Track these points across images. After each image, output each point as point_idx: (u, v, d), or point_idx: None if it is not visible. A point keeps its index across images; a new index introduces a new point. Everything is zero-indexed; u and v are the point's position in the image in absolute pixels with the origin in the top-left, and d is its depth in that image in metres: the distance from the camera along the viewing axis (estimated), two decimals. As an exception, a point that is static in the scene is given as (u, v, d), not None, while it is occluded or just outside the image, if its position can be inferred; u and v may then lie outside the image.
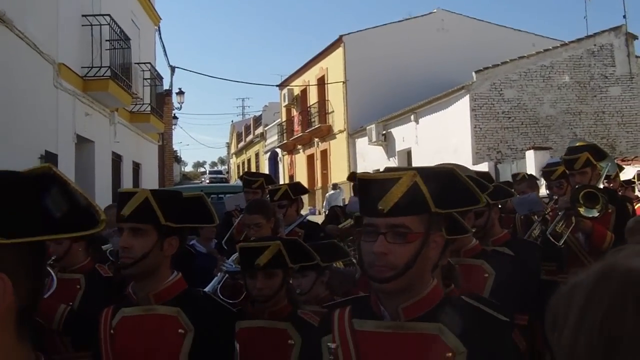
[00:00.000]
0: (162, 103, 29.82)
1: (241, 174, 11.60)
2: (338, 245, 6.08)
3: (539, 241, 7.79)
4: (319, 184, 42.59)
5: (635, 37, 30.37)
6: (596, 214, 6.94)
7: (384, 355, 2.81)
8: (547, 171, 8.90)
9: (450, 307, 2.93)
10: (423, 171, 2.89)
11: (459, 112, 29.25)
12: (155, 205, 3.68)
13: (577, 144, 8.30)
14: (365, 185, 2.91)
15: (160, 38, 32.08)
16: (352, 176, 11.50)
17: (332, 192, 33.22)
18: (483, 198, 3.03)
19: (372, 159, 35.42)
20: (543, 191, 11.39)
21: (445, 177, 2.99)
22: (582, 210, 6.96)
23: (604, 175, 7.85)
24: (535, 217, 8.66)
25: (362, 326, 2.90)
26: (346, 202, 22.58)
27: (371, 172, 8.74)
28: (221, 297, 5.67)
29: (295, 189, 9.16)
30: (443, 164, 4.70)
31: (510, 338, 2.93)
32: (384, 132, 35.48)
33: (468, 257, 5.46)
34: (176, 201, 3.89)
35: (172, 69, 34.35)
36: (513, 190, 8.43)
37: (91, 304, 4.14)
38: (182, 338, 3.68)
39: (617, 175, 11.30)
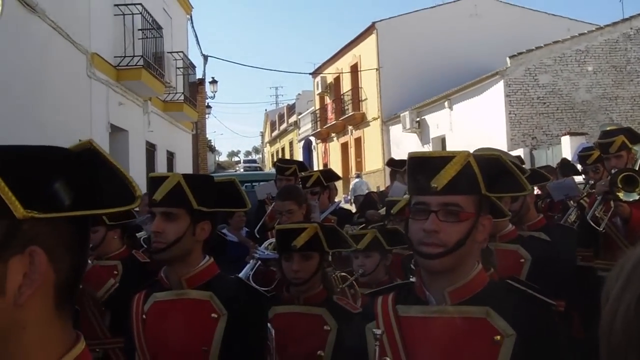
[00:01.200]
0: (195, 92, 29.92)
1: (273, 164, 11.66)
2: (400, 232, 6.06)
3: (575, 226, 7.71)
4: (353, 172, 42.52)
5: (672, 20, 30.00)
6: (636, 197, 6.84)
7: (430, 340, 2.78)
8: (583, 155, 8.82)
9: (496, 290, 2.92)
10: (474, 155, 2.89)
11: (494, 98, 29.07)
12: (188, 189, 3.68)
13: (609, 128, 8.20)
14: (418, 164, 2.90)
15: (193, 27, 32.12)
16: (391, 162, 11.45)
17: (356, 180, 33.15)
18: (529, 185, 3.01)
19: (406, 146, 35.25)
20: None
21: (493, 162, 2.98)
22: (621, 194, 6.86)
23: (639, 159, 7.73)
24: (572, 202, 8.57)
25: (406, 312, 2.88)
26: (369, 189, 22.47)
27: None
28: (253, 284, 5.65)
29: (327, 175, 9.13)
30: (480, 148, 4.67)
31: (557, 321, 2.88)
32: (418, 119, 35.37)
33: (504, 242, 5.41)
34: (208, 186, 3.90)
35: (205, 57, 34.44)
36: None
37: (129, 289, 4.14)
38: (215, 322, 3.68)
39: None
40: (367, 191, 20.11)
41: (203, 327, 3.67)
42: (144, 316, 3.82)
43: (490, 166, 2.92)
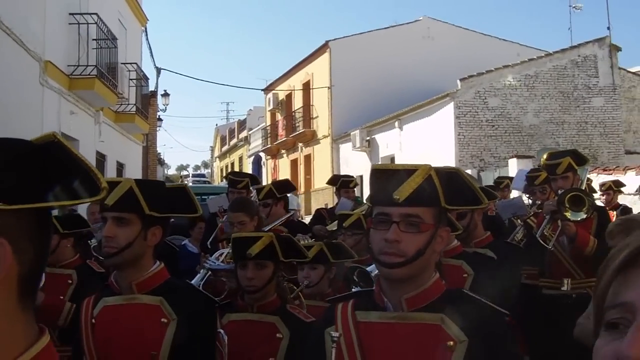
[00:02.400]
0: (147, 104, 29.74)
1: (224, 177, 11.65)
2: (344, 246, 6.17)
3: (521, 245, 7.86)
4: (302, 189, 42.55)
5: (618, 49, 30.50)
6: (583, 216, 7.00)
7: (386, 345, 2.86)
8: (531, 176, 8.98)
9: (451, 298, 2.99)
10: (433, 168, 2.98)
11: (443, 119, 29.31)
12: (140, 194, 3.68)
13: (548, 153, 8.38)
14: (381, 176, 2.99)
15: (147, 39, 32.03)
16: (334, 179, 11.55)
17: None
18: (485, 199, 3.10)
19: (356, 164, 35.41)
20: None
21: (452, 176, 3.07)
22: (568, 214, 7.03)
23: (585, 180, 7.91)
24: (519, 221, 8.73)
25: (365, 317, 2.96)
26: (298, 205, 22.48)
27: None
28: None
29: (280, 187, 9.18)
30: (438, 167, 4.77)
31: (509, 330, 2.98)
32: (368, 138, 35.49)
33: (448, 257, 5.52)
34: (160, 191, 3.91)
35: (158, 70, 34.35)
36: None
37: (83, 299, 4.14)
38: (165, 327, 3.69)
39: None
40: (297, 207, 20.20)
41: (153, 331, 3.68)
42: (93, 321, 3.81)
43: (449, 180, 3.00)
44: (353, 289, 4.68)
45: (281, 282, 4.99)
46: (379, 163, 3.50)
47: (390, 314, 2.92)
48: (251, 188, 9.37)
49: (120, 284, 3.84)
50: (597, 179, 15.03)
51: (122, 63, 23.70)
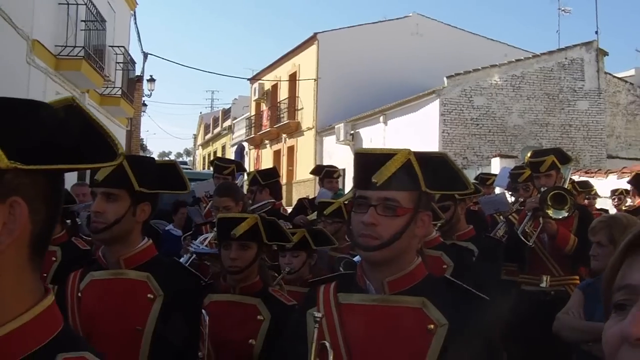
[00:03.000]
0: (133, 89, 29.65)
1: (207, 164, 11.67)
2: (325, 232, 6.24)
3: (503, 241, 7.92)
4: (285, 180, 42.48)
5: (605, 53, 30.63)
6: (565, 215, 7.06)
7: (367, 327, 2.89)
8: (515, 174, 9.05)
9: (433, 283, 3.03)
10: (417, 153, 2.99)
11: (428, 116, 29.37)
12: (129, 170, 3.69)
13: (532, 151, 8.45)
14: (363, 160, 3.01)
15: (136, 23, 31.91)
16: (318, 169, 11.59)
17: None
18: (471, 184, 3.13)
19: (339, 157, 35.36)
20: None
21: (437, 160, 3.08)
22: (550, 211, 7.09)
23: (567, 179, 7.98)
24: (501, 217, 8.79)
25: (347, 299, 2.98)
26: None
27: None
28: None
29: (265, 174, 9.22)
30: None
31: (491, 315, 3.01)
32: (352, 131, 35.48)
33: (428, 248, 5.56)
34: (150, 167, 3.91)
35: (145, 55, 34.11)
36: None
37: (65, 276, 4.14)
38: (151, 303, 3.71)
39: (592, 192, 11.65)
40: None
41: (138, 307, 3.70)
42: (79, 294, 3.82)
43: (435, 164, 3.02)
44: None
45: (264, 265, 5.02)
46: (361, 147, 3.51)
47: (372, 296, 2.95)
48: (237, 174, 9.41)
49: (108, 259, 3.86)
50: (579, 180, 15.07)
51: (109, 46, 23.60)
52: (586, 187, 12.72)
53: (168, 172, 4.09)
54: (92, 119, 1.62)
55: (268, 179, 9.16)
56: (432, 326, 2.81)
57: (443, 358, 2.79)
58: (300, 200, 11.68)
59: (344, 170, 28.75)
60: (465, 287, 3.04)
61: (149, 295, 3.73)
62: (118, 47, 25.06)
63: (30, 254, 1.57)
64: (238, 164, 10.14)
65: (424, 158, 2.99)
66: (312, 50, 40.13)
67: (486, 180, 11.34)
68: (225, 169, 9.40)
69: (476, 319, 2.90)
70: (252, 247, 4.64)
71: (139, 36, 44.87)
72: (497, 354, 2.95)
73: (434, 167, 3.00)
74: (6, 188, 1.48)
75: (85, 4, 19.74)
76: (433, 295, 2.89)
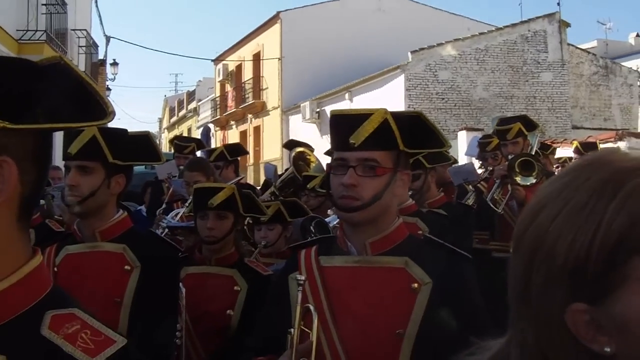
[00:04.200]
0: (97, 73, 29.42)
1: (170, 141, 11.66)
2: (299, 204, 6.28)
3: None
4: (251, 161, 42.39)
5: (568, 25, 30.82)
6: (533, 181, 7.10)
7: (351, 289, 2.90)
8: (483, 142, 9.08)
9: (415, 243, 3.07)
10: (393, 113, 2.99)
11: (394, 91, 29.41)
12: (103, 142, 3.67)
13: (498, 119, 8.51)
14: (338, 121, 3.01)
15: (97, 6, 31.63)
16: (290, 144, 11.56)
17: None
18: (448, 142, 3.14)
19: (306, 136, 35.13)
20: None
21: (413, 119, 3.09)
22: (518, 178, 7.13)
23: (535, 145, 8.03)
24: (470, 187, 8.83)
25: (329, 262, 2.99)
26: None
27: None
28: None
29: (232, 150, 9.22)
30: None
31: (473, 272, 3.03)
32: (318, 109, 35.40)
33: (403, 215, 5.59)
34: (123, 139, 3.87)
35: (107, 38, 33.82)
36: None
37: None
38: (128, 274, 3.71)
39: (552, 153, 11.66)
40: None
41: (116, 279, 3.70)
42: (55, 269, 3.79)
43: (411, 123, 3.03)
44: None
45: (239, 236, 5.02)
46: (337, 109, 3.50)
47: (354, 258, 2.96)
48: (197, 153, 9.41)
49: (84, 232, 3.85)
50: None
51: (71, 29, 23.43)
52: (546, 149, 12.80)
53: (141, 144, 4.05)
54: (81, 76, 1.57)
55: (235, 155, 9.15)
56: (416, 285, 2.84)
57: (427, 316, 2.81)
58: (267, 180, 11.70)
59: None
60: (448, 245, 3.07)
61: (126, 267, 3.73)
62: (80, 30, 24.82)
63: (19, 215, 1.57)
64: (198, 142, 10.17)
65: (400, 118, 2.99)
66: (276, 29, 39.97)
67: (487, 144, 11.24)
68: (186, 147, 9.43)
69: (460, 275, 2.94)
70: (228, 217, 4.66)
71: (100, 19, 44.64)
72: (480, 310, 2.95)
73: (410, 126, 3.00)
74: None
75: (45, -14, 19.48)
76: (416, 255, 2.92)
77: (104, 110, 1.56)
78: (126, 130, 4.02)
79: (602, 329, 1.28)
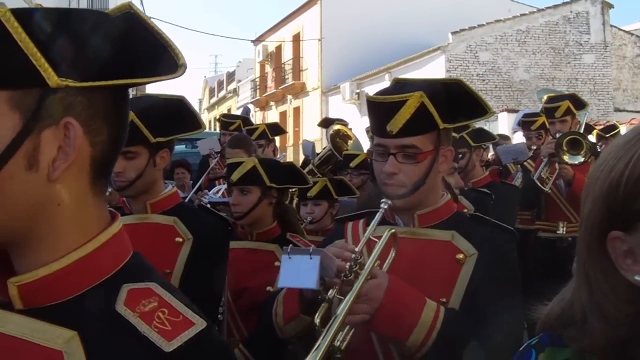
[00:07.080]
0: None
1: (214, 127, 11.72)
2: (347, 182, 6.25)
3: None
4: (291, 142, 42.40)
5: (611, 6, 30.47)
6: (581, 159, 7.01)
7: (397, 260, 2.86)
8: (527, 121, 8.98)
9: (462, 218, 3.05)
10: (430, 86, 2.93)
11: (434, 73, 29.12)
12: (141, 124, 3.60)
13: (547, 96, 8.39)
14: (375, 107, 2.97)
15: (138, -14, 31.75)
16: (326, 121, 11.50)
17: None
18: (491, 109, 3.07)
19: (345, 117, 34.72)
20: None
21: (453, 88, 3.01)
22: (566, 157, 7.03)
23: (583, 124, 7.93)
24: (518, 166, 8.72)
25: (376, 233, 2.92)
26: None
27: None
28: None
29: (273, 129, 9.25)
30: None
31: (515, 248, 2.99)
32: (358, 90, 35.27)
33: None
34: (160, 114, 3.75)
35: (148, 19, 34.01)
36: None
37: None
38: (179, 246, 3.71)
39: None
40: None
41: (166, 251, 3.68)
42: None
43: (450, 92, 2.96)
44: None
45: (284, 209, 4.95)
46: (372, 95, 3.42)
47: (401, 229, 2.95)
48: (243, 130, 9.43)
49: (133, 205, 3.86)
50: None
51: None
52: (590, 130, 12.64)
53: (178, 110, 3.85)
54: (152, 26, 1.45)
55: (276, 133, 9.19)
56: (461, 256, 2.83)
57: (471, 286, 2.80)
58: (306, 158, 11.71)
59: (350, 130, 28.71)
60: (493, 221, 3.05)
61: (177, 239, 3.72)
62: (122, 10, 24.90)
63: (92, 179, 1.47)
64: (244, 119, 10.16)
65: (437, 92, 2.91)
66: (315, 10, 39.85)
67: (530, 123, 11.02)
68: (231, 124, 9.46)
69: (504, 249, 2.92)
70: (252, 191, 4.58)
71: (141, 0, 44.72)
72: (517, 282, 2.92)
73: (448, 97, 2.94)
74: (58, 109, 1.37)
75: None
76: (462, 229, 2.91)
77: (175, 63, 1.43)
78: (157, 98, 3.86)
79: (637, 258, 1.36)
